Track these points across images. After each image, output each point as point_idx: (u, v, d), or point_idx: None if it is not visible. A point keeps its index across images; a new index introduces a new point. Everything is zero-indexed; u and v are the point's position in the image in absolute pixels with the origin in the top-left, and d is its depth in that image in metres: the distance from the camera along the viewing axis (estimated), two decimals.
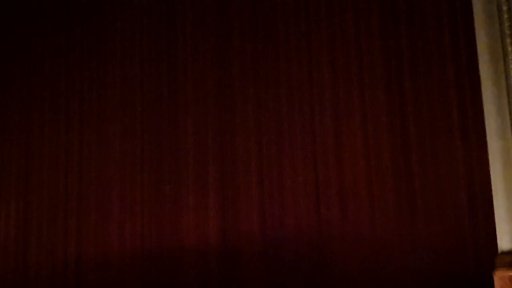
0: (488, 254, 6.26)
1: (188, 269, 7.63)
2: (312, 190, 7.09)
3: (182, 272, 7.65)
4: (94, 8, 8.77)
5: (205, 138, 7.68)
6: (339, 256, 7.02)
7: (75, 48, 8.76)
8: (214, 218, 7.53)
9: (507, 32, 5.99)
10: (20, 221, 8.45)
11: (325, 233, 7.06)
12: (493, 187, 5.77)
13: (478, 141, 6.28)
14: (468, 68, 6.52)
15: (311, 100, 7.29)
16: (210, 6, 8.04)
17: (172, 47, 8.12)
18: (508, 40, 5.98)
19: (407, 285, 6.80)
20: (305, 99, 7.30)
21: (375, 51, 7.04)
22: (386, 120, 6.91)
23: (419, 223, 6.66)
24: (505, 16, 6.01)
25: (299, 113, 7.33)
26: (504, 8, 6.03)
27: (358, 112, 7.03)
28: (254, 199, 7.35)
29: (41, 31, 9.04)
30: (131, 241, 7.86)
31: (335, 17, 7.35)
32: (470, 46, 6.37)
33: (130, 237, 7.84)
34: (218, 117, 7.73)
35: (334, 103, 7.19)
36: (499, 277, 5.63)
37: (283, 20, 7.68)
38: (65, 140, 8.41)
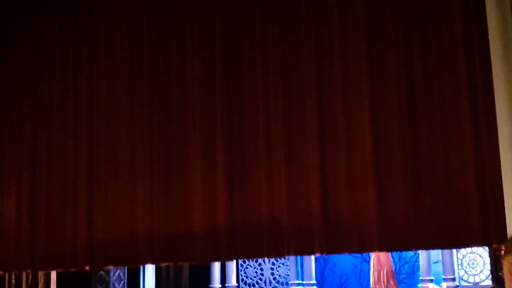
0: (495, 234, 6.36)
1: (197, 250, 7.71)
2: (319, 171, 7.16)
3: (191, 252, 7.73)
4: None
5: (213, 120, 7.69)
6: (346, 235, 7.12)
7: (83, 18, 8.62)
8: (222, 199, 7.59)
9: None
10: (31, 204, 8.44)
11: (332, 212, 7.15)
12: (503, 176, 5.86)
13: (488, 126, 6.35)
14: (479, 49, 6.52)
15: (319, 82, 7.31)
16: None
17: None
18: None
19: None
20: (314, 80, 7.32)
21: (385, 25, 7.03)
22: (395, 101, 6.95)
23: (426, 204, 6.77)
24: None
25: (308, 95, 7.35)
26: None
27: (366, 84, 7.04)
28: (262, 181, 7.40)
29: None
30: (141, 223, 7.91)
31: None
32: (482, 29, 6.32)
33: (140, 219, 7.89)
34: (226, 98, 7.72)
35: (343, 84, 7.23)
36: (508, 262, 5.74)
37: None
38: (73, 125, 8.36)
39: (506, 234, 5.99)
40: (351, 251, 7.35)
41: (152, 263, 8.44)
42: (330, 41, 7.38)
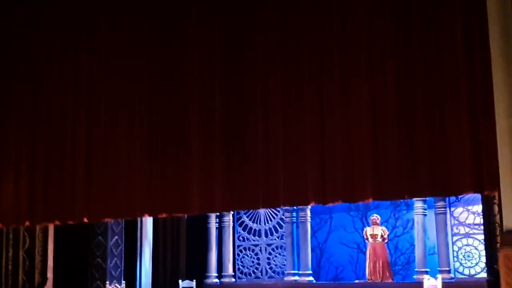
0: (488, 181, 6.38)
1: (193, 201, 7.71)
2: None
3: (187, 203, 7.73)
4: None
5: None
6: (340, 184, 7.12)
7: None
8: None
9: None
10: (30, 159, 8.43)
11: (328, 162, 7.13)
12: (500, 170, 5.85)
13: (482, 74, 6.32)
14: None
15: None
16: None
17: None
18: None
19: None
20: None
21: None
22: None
23: (419, 152, 6.77)
24: None
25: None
26: None
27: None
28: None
29: None
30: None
31: None
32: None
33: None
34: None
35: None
36: (504, 255, 5.74)
37: None
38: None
39: (498, 182, 5.89)
40: (344, 200, 7.31)
41: (149, 215, 8.45)
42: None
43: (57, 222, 8.49)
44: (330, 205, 7.62)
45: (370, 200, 7.23)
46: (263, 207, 8.23)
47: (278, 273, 12.06)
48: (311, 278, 11.61)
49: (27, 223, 8.58)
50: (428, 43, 6.87)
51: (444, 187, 6.83)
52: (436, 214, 10.85)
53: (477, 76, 6.57)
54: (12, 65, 8.83)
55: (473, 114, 6.58)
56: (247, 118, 7.58)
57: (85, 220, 8.21)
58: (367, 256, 11.39)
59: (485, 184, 6.51)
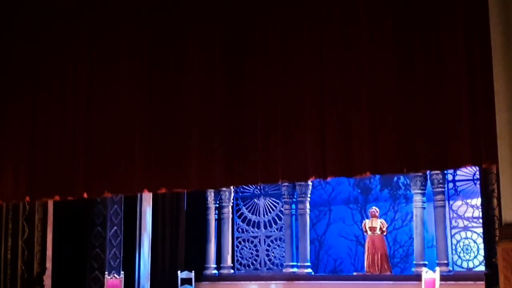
0: (486, 154, 6.36)
1: (193, 177, 7.70)
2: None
3: (187, 179, 7.72)
4: None
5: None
6: (339, 158, 7.11)
7: None
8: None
9: None
10: (31, 134, 8.41)
11: (328, 139, 7.11)
12: (500, 166, 5.82)
13: (482, 50, 6.29)
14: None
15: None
16: None
17: None
18: None
19: None
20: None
21: None
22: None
23: (418, 126, 6.76)
24: None
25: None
26: None
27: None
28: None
29: None
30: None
31: None
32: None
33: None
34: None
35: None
36: (502, 248, 5.72)
37: None
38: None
39: (496, 155, 5.84)
40: (343, 174, 7.30)
41: (148, 190, 8.43)
42: None
43: (57, 198, 8.44)
44: (330, 179, 7.57)
45: (368, 174, 7.20)
46: (262, 183, 8.19)
47: (276, 265, 12.08)
48: (309, 270, 11.63)
49: (27, 198, 8.55)
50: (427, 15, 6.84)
51: (442, 161, 6.81)
52: (435, 207, 10.85)
53: (477, 46, 6.51)
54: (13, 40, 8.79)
55: (471, 87, 6.55)
56: (247, 92, 7.52)
57: (85, 195, 8.16)
58: (366, 248, 11.41)
59: (483, 157, 6.50)
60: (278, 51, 7.43)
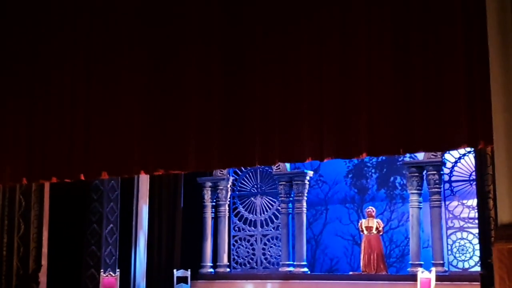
0: (482, 134, 6.36)
1: (190, 158, 7.69)
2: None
3: (184, 160, 7.71)
4: None
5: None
6: (335, 139, 7.11)
7: None
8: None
9: None
10: (29, 116, 8.39)
11: (325, 120, 7.11)
12: (496, 164, 5.82)
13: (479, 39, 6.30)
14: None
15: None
16: None
17: None
18: None
19: None
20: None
21: None
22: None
23: (414, 107, 6.77)
24: None
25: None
26: None
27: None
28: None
29: None
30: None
31: None
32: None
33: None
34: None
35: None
36: (498, 249, 5.70)
37: None
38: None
39: (492, 135, 5.81)
40: (340, 156, 7.31)
41: (145, 171, 8.45)
42: None
43: (54, 180, 8.42)
44: (326, 160, 7.56)
45: (365, 156, 7.20)
46: (259, 164, 8.11)
47: (273, 264, 12.09)
48: (305, 269, 11.64)
49: (24, 180, 8.54)
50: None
51: (439, 142, 6.83)
52: (431, 207, 10.86)
53: (475, 28, 6.50)
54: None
55: (468, 68, 6.55)
56: (245, 74, 7.53)
57: (82, 177, 8.15)
58: (362, 248, 11.42)
59: (479, 137, 6.51)
60: (277, 35, 7.44)
